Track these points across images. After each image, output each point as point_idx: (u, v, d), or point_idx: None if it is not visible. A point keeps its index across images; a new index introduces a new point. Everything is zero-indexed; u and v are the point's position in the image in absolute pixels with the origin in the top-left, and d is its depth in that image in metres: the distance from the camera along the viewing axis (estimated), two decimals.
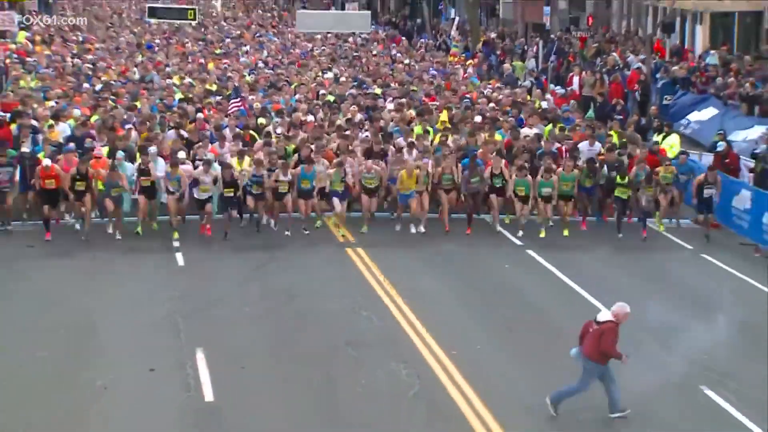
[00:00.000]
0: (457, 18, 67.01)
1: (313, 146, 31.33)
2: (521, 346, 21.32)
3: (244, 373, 19.49)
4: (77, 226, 28.77)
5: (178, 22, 62.86)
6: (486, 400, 18.11)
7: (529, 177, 29.32)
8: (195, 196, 28.73)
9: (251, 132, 33.39)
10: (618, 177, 29.24)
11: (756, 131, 33.23)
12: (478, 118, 36.14)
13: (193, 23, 62.85)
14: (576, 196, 30.41)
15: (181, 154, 30.30)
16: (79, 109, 34.77)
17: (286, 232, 28.99)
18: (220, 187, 28.73)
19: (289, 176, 28.83)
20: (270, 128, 34.08)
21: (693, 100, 40.25)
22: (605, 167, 30.60)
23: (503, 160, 30.69)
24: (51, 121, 32.72)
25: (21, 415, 17.47)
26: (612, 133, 35.07)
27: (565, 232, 29.78)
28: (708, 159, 31.47)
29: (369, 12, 63.65)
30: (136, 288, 24.59)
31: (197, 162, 30.68)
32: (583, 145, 32.53)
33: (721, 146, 31.25)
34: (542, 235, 29.28)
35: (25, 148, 29.97)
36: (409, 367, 19.83)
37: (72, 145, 29.84)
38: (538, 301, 24.38)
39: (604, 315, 17.30)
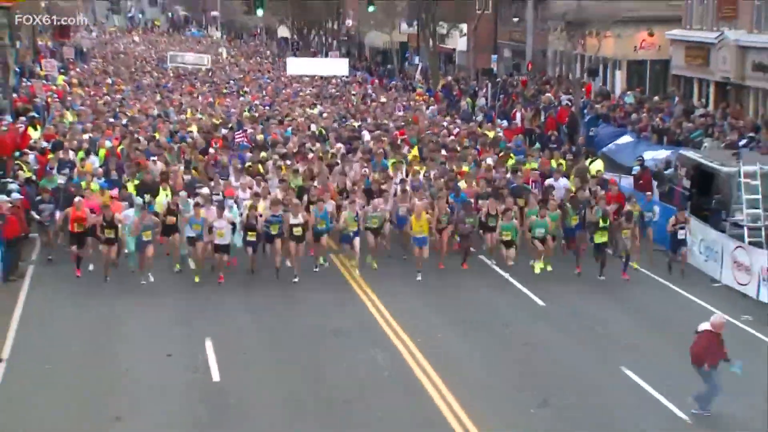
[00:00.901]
0: (420, 64, 67.52)
1: (317, 183, 28.56)
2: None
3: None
4: (90, 267, 25.19)
5: (192, 67, 62.75)
6: None
7: (516, 221, 26.05)
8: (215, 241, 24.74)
9: (258, 165, 30.79)
10: (601, 219, 25.37)
11: (663, 153, 33.35)
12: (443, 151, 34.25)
13: (204, 69, 62.69)
14: (562, 237, 27.12)
15: (204, 191, 26.74)
16: (110, 141, 33.90)
17: (294, 279, 24.98)
18: (238, 232, 25.28)
19: (301, 218, 25.03)
20: (270, 163, 31.15)
21: (613, 132, 40.55)
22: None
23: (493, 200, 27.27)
24: (82, 154, 31.33)
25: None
26: (561, 161, 32.66)
27: (538, 268, 25.97)
28: (628, 180, 31.49)
29: (347, 59, 63.82)
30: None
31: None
32: (550, 181, 29.74)
33: (636, 170, 31.42)
34: (537, 270, 25.84)
35: (61, 180, 27.96)
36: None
37: (105, 184, 27.29)
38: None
39: (703, 325, 17.14)
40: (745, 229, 24.98)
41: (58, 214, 25.63)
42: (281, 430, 16.72)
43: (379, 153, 32.33)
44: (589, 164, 32.51)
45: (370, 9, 62.50)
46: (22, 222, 24.43)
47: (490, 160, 32.45)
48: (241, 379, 18.66)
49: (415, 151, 34.29)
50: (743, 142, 34.20)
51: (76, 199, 24.69)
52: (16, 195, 25.25)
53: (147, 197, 25.83)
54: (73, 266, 24.64)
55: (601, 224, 25.19)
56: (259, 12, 61.48)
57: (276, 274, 24.90)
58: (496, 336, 21.48)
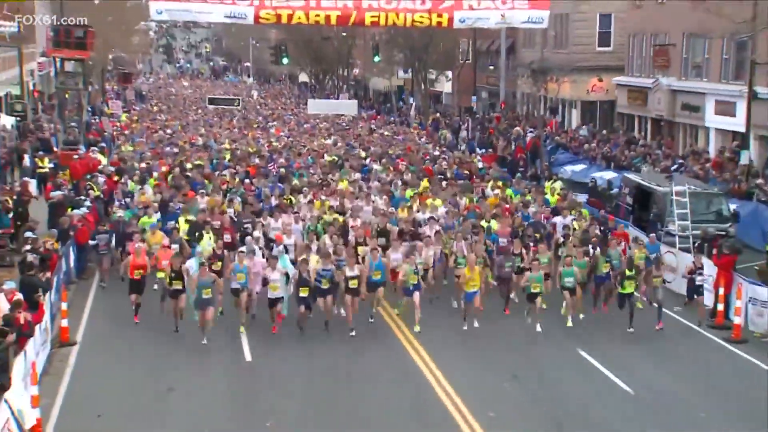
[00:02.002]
0: (414, 103, 67.44)
1: (351, 220, 24.47)
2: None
3: None
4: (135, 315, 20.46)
5: (229, 107, 63.06)
6: None
7: (542, 272, 20.61)
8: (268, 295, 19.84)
9: (290, 197, 27.62)
10: (627, 269, 20.54)
11: (609, 174, 33.40)
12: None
13: (239, 108, 62.99)
14: (589, 287, 21.78)
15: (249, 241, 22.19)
16: (158, 169, 32.38)
17: (351, 333, 19.86)
18: (290, 287, 19.92)
19: (356, 270, 20.07)
20: (302, 197, 27.13)
21: (569, 159, 40.57)
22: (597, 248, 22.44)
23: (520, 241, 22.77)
24: (138, 185, 29.12)
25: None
26: (547, 188, 29.98)
27: (570, 322, 20.80)
28: (584, 196, 31.40)
29: (356, 100, 63.96)
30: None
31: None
32: (558, 219, 25.28)
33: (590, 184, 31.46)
34: (569, 324, 20.69)
35: (120, 213, 25.30)
36: None
37: (175, 246, 21.98)
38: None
39: None
40: (677, 237, 24.96)
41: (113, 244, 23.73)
42: None
43: (396, 184, 29.37)
44: (552, 184, 32.19)
45: (376, 59, 62.66)
46: (90, 231, 24.33)
47: (490, 191, 29.34)
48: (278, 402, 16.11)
49: (425, 182, 30.44)
50: (674, 167, 34.30)
51: (137, 245, 21.03)
52: (85, 210, 25.22)
53: (198, 248, 21.96)
54: (132, 311, 20.42)
55: (628, 273, 20.40)
56: (284, 61, 61.64)
57: (326, 325, 19.99)
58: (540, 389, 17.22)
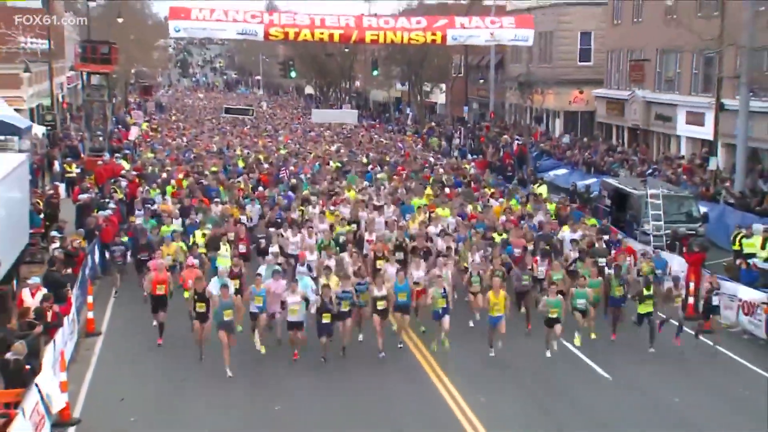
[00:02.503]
0: (411, 113, 67.38)
1: (374, 237, 22.07)
2: None
3: None
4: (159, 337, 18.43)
5: (242, 117, 63.20)
6: None
7: (561, 296, 17.93)
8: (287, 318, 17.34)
9: (301, 209, 25.54)
10: (645, 288, 18.24)
11: (590, 180, 33.41)
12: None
13: (252, 117, 63.15)
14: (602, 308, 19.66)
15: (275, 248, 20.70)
16: (176, 176, 31.38)
17: (381, 354, 17.50)
18: (311, 309, 17.32)
19: (385, 290, 17.68)
20: (313, 209, 25.07)
21: (553, 164, 40.56)
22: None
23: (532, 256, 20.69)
24: (159, 193, 28.13)
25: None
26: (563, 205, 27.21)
27: (578, 340, 18.38)
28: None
29: (357, 110, 64.11)
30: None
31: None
32: (566, 233, 22.98)
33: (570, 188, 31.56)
34: (577, 342, 18.30)
35: (139, 220, 24.28)
36: None
37: (194, 260, 19.72)
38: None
39: None
40: (651, 236, 24.93)
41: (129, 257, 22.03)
42: None
43: (402, 193, 27.64)
44: (537, 188, 32.17)
45: (375, 73, 62.63)
46: (114, 231, 24.28)
47: (493, 201, 27.51)
48: None
49: (429, 190, 28.97)
50: (649, 172, 34.27)
51: (158, 261, 19.05)
52: (109, 211, 25.18)
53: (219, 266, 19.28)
54: (156, 333, 18.41)
55: (646, 293, 18.16)
56: (292, 75, 61.67)
57: (342, 351, 17.54)
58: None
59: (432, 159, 41.84)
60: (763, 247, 21.88)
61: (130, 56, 63.52)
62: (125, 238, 22.67)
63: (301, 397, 15.71)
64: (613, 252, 21.82)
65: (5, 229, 18.68)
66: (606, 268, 20.17)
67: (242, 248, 21.65)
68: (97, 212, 25.02)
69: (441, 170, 35.54)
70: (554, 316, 17.59)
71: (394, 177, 32.49)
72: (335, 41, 29.81)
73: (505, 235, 22.63)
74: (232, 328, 16.85)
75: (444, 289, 17.89)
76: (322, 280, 18.21)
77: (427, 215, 24.77)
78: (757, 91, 31.68)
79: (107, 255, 22.83)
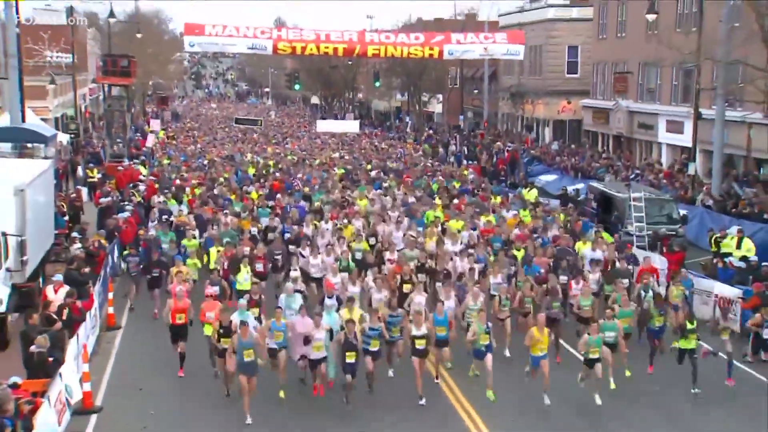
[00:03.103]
0: (410, 122, 67.41)
1: (395, 256, 19.57)
2: None
3: None
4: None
5: (251, 126, 63.28)
6: None
7: (600, 335, 14.67)
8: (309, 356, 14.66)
9: (315, 223, 22.94)
10: (688, 321, 15.13)
11: (579, 184, 33.39)
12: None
13: (259, 126, 63.22)
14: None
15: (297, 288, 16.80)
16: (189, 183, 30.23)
17: (421, 402, 14.60)
18: (334, 346, 14.83)
19: (424, 329, 14.86)
20: (326, 226, 22.36)
21: (543, 170, 40.55)
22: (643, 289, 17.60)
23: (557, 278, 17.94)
24: (177, 204, 26.42)
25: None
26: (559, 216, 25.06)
27: (613, 384, 14.89)
28: (556, 202, 30.80)
29: (358, 120, 64.25)
30: None
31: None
32: (587, 251, 20.34)
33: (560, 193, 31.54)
34: (612, 386, 14.82)
35: (152, 231, 22.65)
36: None
37: (213, 289, 17.35)
38: None
39: None
40: (634, 236, 24.95)
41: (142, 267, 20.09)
42: None
43: (415, 206, 25.26)
44: (528, 192, 32.11)
45: (376, 84, 62.72)
46: (134, 232, 24.30)
47: (506, 213, 25.17)
48: None
49: (438, 200, 27.19)
50: (632, 176, 34.28)
51: (177, 288, 16.59)
52: (128, 213, 25.18)
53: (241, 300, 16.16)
54: (177, 365, 16.09)
55: (689, 326, 15.06)
56: (297, 87, 61.75)
57: (369, 387, 14.90)
58: None
59: (430, 164, 41.79)
60: (738, 247, 21.94)
61: (148, 69, 63.57)
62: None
63: None
64: (634, 271, 19.37)
65: (32, 230, 18.74)
66: (642, 292, 17.26)
67: (259, 266, 19.44)
68: (117, 214, 25.07)
69: (441, 177, 34.43)
70: (595, 356, 14.43)
71: (401, 185, 30.85)
72: (339, 55, 29.82)
73: (522, 251, 20.15)
74: (254, 370, 14.03)
75: (488, 325, 14.92)
76: (345, 313, 15.22)
77: (440, 227, 22.58)
78: (732, 102, 31.80)
79: (123, 264, 21.58)
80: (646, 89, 41.54)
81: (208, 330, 15.59)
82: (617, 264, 19.33)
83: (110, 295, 19.54)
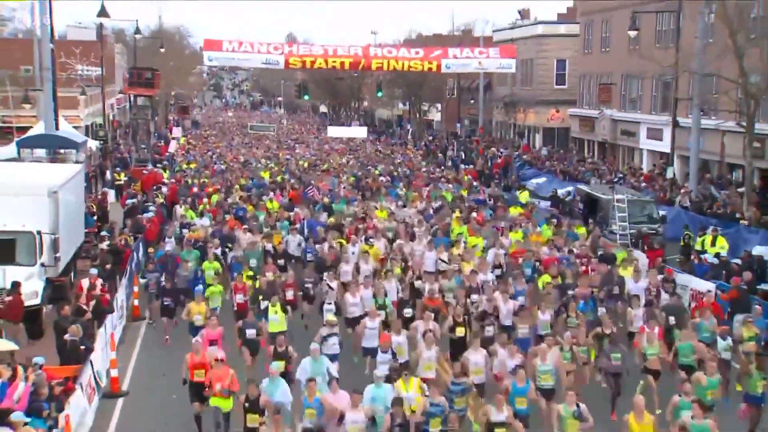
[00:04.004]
0: (410, 129, 67.34)
1: (436, 287, 15.51)
2: None
3: None
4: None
5: (264, 132, 63.39)
6: None
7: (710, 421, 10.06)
8: None
9: (341, 241, 19.88)
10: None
11: (568, 187, 33.32)
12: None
13: (272, 133, 63.29)
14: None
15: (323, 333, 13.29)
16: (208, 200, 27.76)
17: None
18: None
19: (505, 413, 10.54)
20: (352, 251, 18.57)
21: (534, 173, 40.52)
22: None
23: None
24: (192, 213, 24.24)
25: None
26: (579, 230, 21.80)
27: None
28: (546, 203, 30.67)
29: (365, 127, 64.12)
30: None
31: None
32: (632, 283, 15.99)
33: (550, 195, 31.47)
34: None
35: (168, 247, 20.13)
36: None
37: (251, 332, 14.00)
38: None
39: None
40: (618, 235, 24.98)
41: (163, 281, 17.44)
42: None
43: (443, 227, 21.32)
44: (520, 194, 32.01)
45: (379, 94, 62.64)
46: (157, 230, 24.37)
47: (530, 227, 21.35)
48: None
49: (457, 213, 23.44)
50: (616, 180, 34.28)
51: (194, 340, 13.28)
52: (152, 213, 25.25)
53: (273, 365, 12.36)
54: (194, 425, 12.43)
55: (757, 378, 11.37)
56: (306, 97, 61.86)
57: None
58: None
59: (431, 169, 41.28)
60: (712, 245, 21.93)
61: (170, 81, 63.60)
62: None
63: None
64: (689, 306, 15.58)
65: (64, 229, 18.83)
66: (719, 340, 12.78)
67: (289, 294, 16.12)
68: (141, 214, 25.12)
69: (450, 184, 32.10)
70: None
71: (417, 195, 27.92)
72: (346, 68, 29.93)
73: (559, 279, 16.12)
74: None
75: (578, 407, 10.45)
76: (399, 385, 10.92)
77: (463, 247, 18.90)
78: (707, 111, 31.79)
79: (141, 280, 18.94)
80: (629, 99, 41.52)
81: (215, 402, 11.66)
82: (662, 293, 14.79)
83: (135, 288, 19.52)
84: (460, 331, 13.42)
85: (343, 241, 19.82)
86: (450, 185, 32.69)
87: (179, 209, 25.65)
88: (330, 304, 14.91)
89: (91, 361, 13.62)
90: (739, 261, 20.08)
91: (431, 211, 25.13)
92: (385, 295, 15.15)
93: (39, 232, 17.53)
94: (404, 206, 26.06)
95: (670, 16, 33.79)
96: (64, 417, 11.18)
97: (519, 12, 60.61)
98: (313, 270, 17.56)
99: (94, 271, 17.75)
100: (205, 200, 27.47)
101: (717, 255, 21.03)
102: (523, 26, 55.01)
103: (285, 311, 14.97)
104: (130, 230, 23.13)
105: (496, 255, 18.17)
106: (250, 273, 17.24)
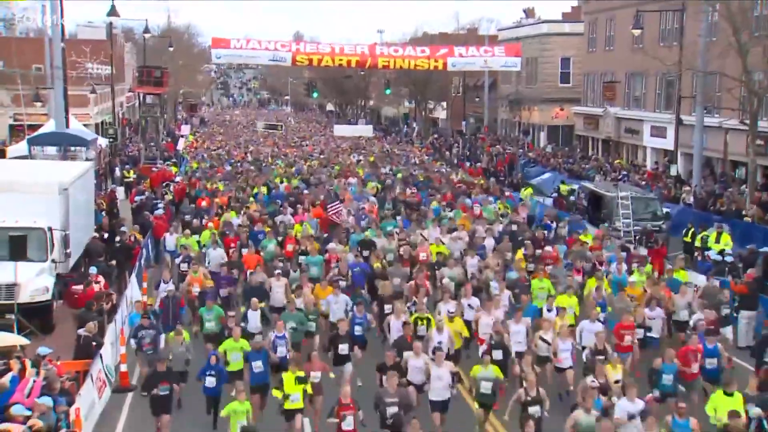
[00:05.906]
0: (417, 127, 67.33)
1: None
2: None
3: None
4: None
5: (271, 130, 63.43)
6: None
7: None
8: None
9: (379, 263, 16.96)
10: None
11: (572, 185, 33.25)
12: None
13: (280, 131, 63.30)
14: None
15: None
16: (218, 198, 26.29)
17: None
18: None
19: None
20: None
21: (538, 171, 40.42)
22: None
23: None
24: (193, 241, 20.00)
25: None
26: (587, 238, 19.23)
27: None
28: (549, 201, 30.47)
29: (371, 125, 64.11)
30: None
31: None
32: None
33: (554, 195, 31.09)
34: None
35: (170, 286, 15.97)
36: None
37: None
38: None
39: None
40: (622, 232, 24.91)
41: (162, 342, 13.79)
42: None
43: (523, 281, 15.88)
44: (524, 191, 31.92)
45: (387, 92, 62.70)
46: (165, 227, 24.35)
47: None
48: None
49: (519, 254, 18.21)
50: (620, 177, 34.17)
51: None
52: (161, 210, 25.31)
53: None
54: None
55: None
56: (314, 95, 61.85)
57: None
58: None
59: (443, 170, 39.69)
60: (717, 242, 21.83)
61: (179, 79, 63.68)
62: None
63: None
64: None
65: (74, 226, 18.87)
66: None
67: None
68: (150, 211, 25.10)
69: (489, 197, 26.95)
70: None
71: (466, 217, 22.08)
72: (352, 66, 29.87)
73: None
74: None
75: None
76: None
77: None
78: (710, 109, 31.65)
79: (133, 342, 14.06)
80: (632, 97, 41.36)
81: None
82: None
83: (144, 285, 19.55)
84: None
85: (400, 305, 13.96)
86: (489, 197, 26.52)
87: (170, 238, 20.63)
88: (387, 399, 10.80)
89: (101, 356, 13.66)
90: (736, 256, 20.00)
91: (492, 239, 19.10)
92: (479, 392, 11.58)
93: (50, 229, 17.56)
94: (453, 230, 19.78)
95: (673, 14, 33.66)
96: (74, 410, 11.22)
97: (524, 11, 60.54)
98: (394, 354, 11.99)
99: (93, 269, 17.75)
100: (211, 224, 21.69)
101: (721, 252, 20.95)
102: (528, 25, 54.85)
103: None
104: (133, 224, 23.06)
105: (598, 336, 12.38)
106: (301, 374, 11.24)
